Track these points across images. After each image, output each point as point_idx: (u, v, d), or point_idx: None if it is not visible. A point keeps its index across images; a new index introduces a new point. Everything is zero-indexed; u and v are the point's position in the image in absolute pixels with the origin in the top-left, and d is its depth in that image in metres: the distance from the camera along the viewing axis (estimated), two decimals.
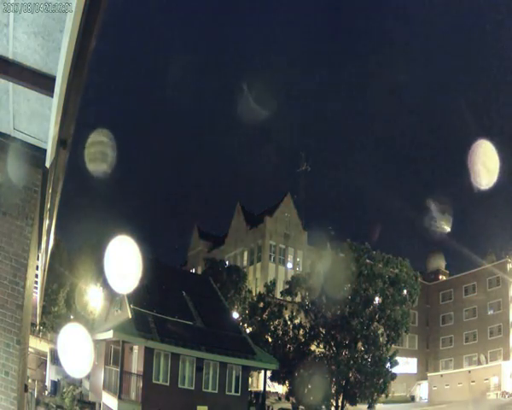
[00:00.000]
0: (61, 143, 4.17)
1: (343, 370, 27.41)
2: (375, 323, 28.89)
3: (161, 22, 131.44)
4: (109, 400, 21.57)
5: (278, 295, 34.42)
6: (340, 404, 28.45)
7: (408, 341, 52.46)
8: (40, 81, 3.78)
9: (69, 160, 5.05)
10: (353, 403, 28.71)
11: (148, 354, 20.50)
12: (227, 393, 22.88)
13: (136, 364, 21.79)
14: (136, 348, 22.04)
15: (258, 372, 34.26)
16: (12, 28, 3.37)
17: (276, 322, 31.44)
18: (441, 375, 48.41)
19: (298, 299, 31.50)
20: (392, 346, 30.02)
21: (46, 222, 6.32)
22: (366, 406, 28.75)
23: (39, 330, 32.86)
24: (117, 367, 21.26)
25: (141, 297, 21.29)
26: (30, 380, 24.25)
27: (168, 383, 20.99)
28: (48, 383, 29.24)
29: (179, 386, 21.37)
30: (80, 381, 26.76)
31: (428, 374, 50.48)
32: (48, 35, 3.39)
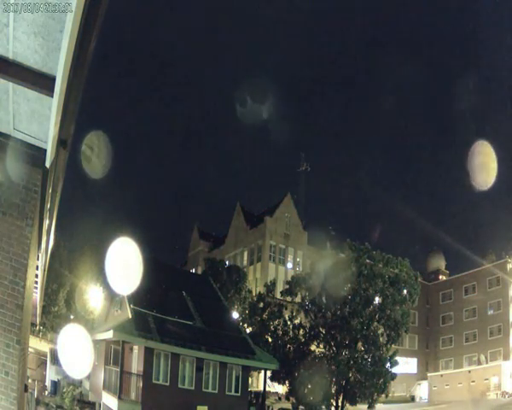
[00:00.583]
0: (61, 143, 4.17)
1: (343, 370, 27.40)
2: (375, 323, 28.87)
3: (161, 21, 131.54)
4: (109, 400, 21.57)
5: (278, 295, 34.40)
6: (340, 404, 28.45)
7: (408, 341, 52.46)
8: (40, 81, 3.78)
9: (69, 160, 5.05)
10: (353, 403, 28.70)
11: (148, 354, 20.50)
12: (227, 393, 22.88)
13: (136, 364, 21.79)
14: (136, 348, 22.03)
15: (258, 372, 34.26)
16: (12, 28, 3.37)
17: (276, 322, 31.43)
18: (441, 375, 48.44)
19: (298, 299, 31.49)
20: (392, 346, 30.01)
21: (46, 222, 6.33)
22: (366, 406, 28.74)
23: (39, 330, 32.85)
24: (117, 367, 21.26)
25: (141, 297, 21.28)
26: (30, 380, 24.25)
27: (168, 383, 20.98)
28: (48, 383, 29.24)
29: (179, 386, 21.37)
30: (80, 381, 26.75)
31: (428, 374, 50.50)
32: (48, 35, 3.39)
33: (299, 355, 29.32)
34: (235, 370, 23.31)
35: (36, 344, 31.30)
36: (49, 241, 7.54)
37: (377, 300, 29.08)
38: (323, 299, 29.72)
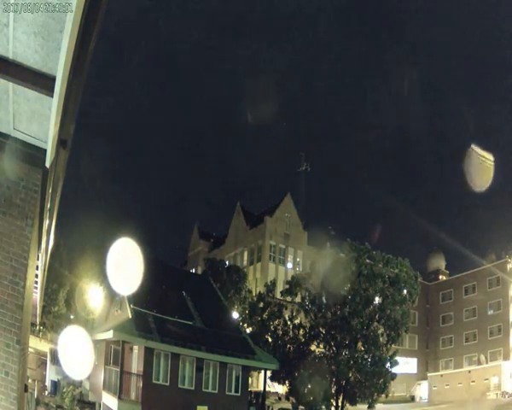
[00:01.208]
0: (61, 143, 4.17)
1: (343, 370, 27.41)
2: (375, 323, 28.89)
3: (161, 21, 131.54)
4: (109, 400, 21.57)
5: (278, 295, 34.40)
6: (340, 404, 28.46)
7: (408, 341, 52.46)
8: (40, 81, 3.78)
9: (69, 160, 5.05)
10: (353, 403, 28.71)
11: (148, 354, 20.50)
12: (227, 393, 22.89)
13: (136, 364, 21.80)
14: (136, 348, 22.04)
15: (258, 372, 34.25)
16: (12, 28, 3.37)
17: (276, 322, 31.44)
18: (441, 375, 48.43)
19: (298, 299, 31.49)
20: (392, 346, 30.02)
21: (46, 222, 6.32)
22: (366, 406, 28.75)
23: (39, 330, 32.84)
24: (117, 367, 21.26)
25: (141, 297, 21.28)
26: (30, 380, 24.21)
27: (168, 383, 20.99)
28: (48, 383, 29.22)
29: (179, 386, 21.37)
30: (80, 381, 26.72)
31: (428, 374, 50.49)
32: (48, 35, 3.39)
33: (299, 355, 29.33)
34: (235, 370, 23.31)
35: (36, 344, 31.28)
36: (49, 241, 7.54)
37: (377, 300, 29.09)
38: (323, 299, 29.74)
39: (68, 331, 3.85)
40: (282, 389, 34.29)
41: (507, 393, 40.21)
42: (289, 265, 51.34)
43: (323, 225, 48.50)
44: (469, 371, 45.49)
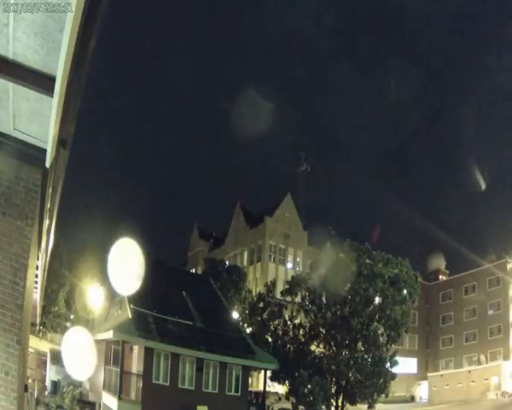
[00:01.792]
0: (61, 143, 4.17)
1: (343, 370, 27.41)
2: (375, 323, 28.88)
3: (161, 21, 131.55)
4: (109, 400, 21.58)
5: (278, 295, 34.40)
6: (340, 404, 28.46)
7: (408, 341, 52.47)
8: (40, 81, 3.78)
9: (69, 160, 5.05)
10: (353, 403, 28.71)
11: (148, 354, 20.51)
12: (227, 393, 22.89)
13: (136, 364, 21.81)
14: (136, 348, 22.05)
15: (258, 372, 34.26)
16: (12, 28, 3.37)
17: (276, 322, 31.43)
18: (441, 375, 48.39)
19: (298, 299, 31.49)
20: (392, 346, 30.03)
21: (46, 222, 6.32)
22: (366, 406, 28.76)
23: (39, 330, 32.84)
24: (117, 367, 21.27)
25: (141, 297, 21.26)
26: (30, 380, 24.20)
27: (168, 383, 20.99)
28: (48, 383, 29.21)
29: (179, 386, 21.38)
30: (80, 381, 26.74)
31: (428, 374, 50.45)
32: (48, 35, 3.39)
33: (299, 355, 29.32)
34: (235, 370, 23.32)
35: (36, 344, 31.27)
36: (49, 241, 7.54)
37: (377, 300, 29.09)
38: (323, 299, 29.74)
39: (71, 332, 3.86)
40: (282, 389, 34.29)
41: (507, 393, 40.18)
42: (289, 265, 51.34)
43: (323, 225, 48.36)
44: (469, 371, 45.45)
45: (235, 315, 33.36)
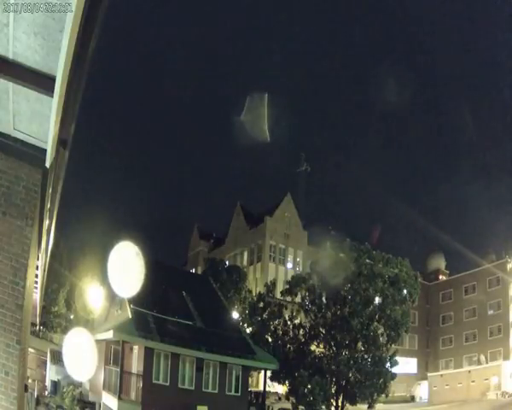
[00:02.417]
0: (61, 143, 4.18)
1: (343, 370, 27.40)
2: (375, 323, 28.88)
3: (161, 21, 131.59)
4: (109, 400, 21.58)
5: (278, 295, 34.40)
6: (340, 404, 28.45)
7: (408, 341, 52.46)
8: (40, 81, 3.78)
9: (69, 160, 5.05)
10: (353, 403, 28.71)
11: (148, 354, 20.51)
12: (227, 393, 22.90)
13: (136, 364, 21.80)
14: (136, 348, 22.04)
15: (258, 372, 34.25)
16: (12, 28, 3.37)
17: (276, 322, 31.42)
18: (441, 375, 48.37)
19: (298, 299, 31.49)
20: (392, 346, 30.01)
21: (46, 222, 6.33)
22: (366, 406, 28.75)
23: (39, 330, 32.86)
24: (117, 367, 21.27)
25: (141, 297, 21.25)
26: (30, 380, 24.22)
27: (168, 383, 20.99)
28: (48, 383, 29.22)
29: (179, 386, 21.38)
30: (80, 381, 26.74)
31: (428, 374, 50.43)
32: (48, 35, 3.39)
33: (299, 355, 29.32)
34: (235, 370, 23.32)
35: (36, 344, 31.29)
36: (49, 241, 7.54)
37: (377, 300, 29.08)
38: (323, 299, 29.74)
39: (72, 334, 3.86)
40: (282, 389, 34.29)
41: (507, 393, 40.17)
42: (289, 265, 51.34)
43: (323, 224, 48.30)
44: (469, 371, 45.43)
45: (235, 315, 33.37)
